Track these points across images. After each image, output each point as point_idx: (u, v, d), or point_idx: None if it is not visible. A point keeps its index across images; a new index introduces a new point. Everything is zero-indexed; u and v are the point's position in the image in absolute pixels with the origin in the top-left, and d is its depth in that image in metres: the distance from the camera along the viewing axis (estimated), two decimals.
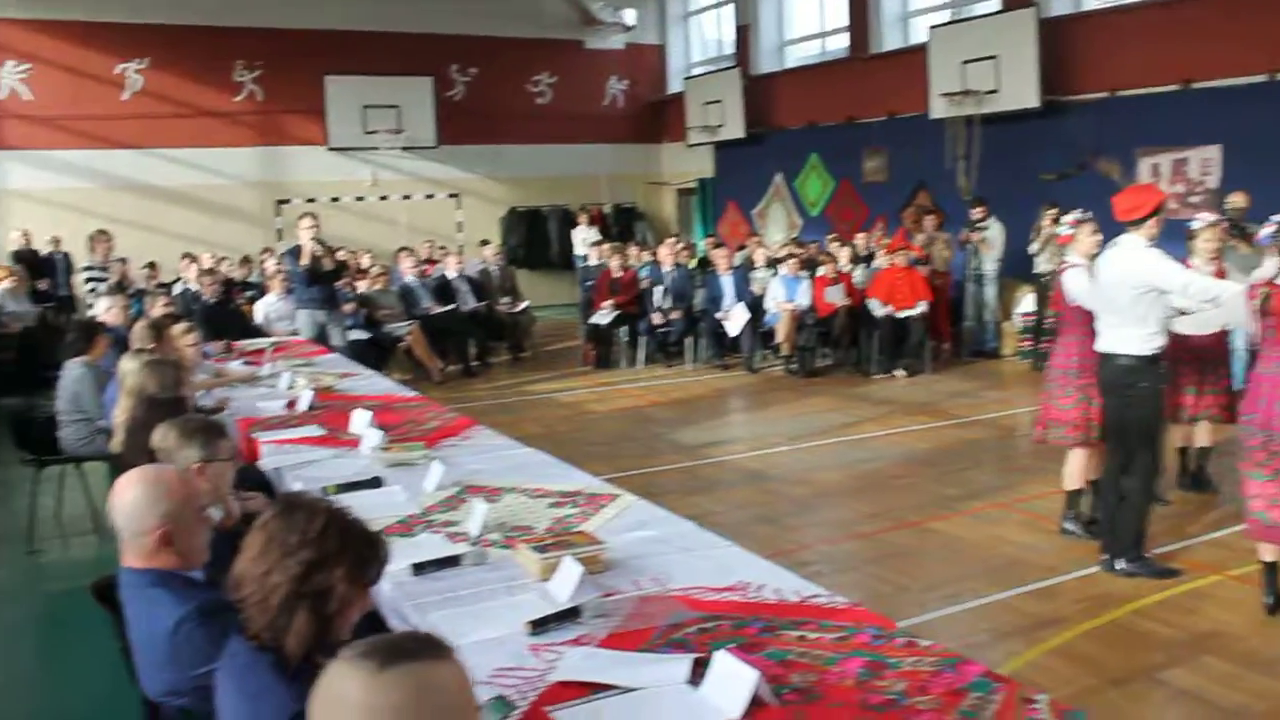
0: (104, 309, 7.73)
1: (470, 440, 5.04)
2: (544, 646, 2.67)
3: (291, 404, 5.84)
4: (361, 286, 11.75)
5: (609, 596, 2.95)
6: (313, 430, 5.19)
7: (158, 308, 7.78)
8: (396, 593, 3.03)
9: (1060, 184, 12.25)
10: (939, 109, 13.32)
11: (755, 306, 11.99)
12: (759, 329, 11.98)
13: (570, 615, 2.81)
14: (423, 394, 6.77)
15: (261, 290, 11.67)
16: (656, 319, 12.18)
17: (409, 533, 3.60)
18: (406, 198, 18.00)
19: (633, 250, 14.01)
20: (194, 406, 3.92)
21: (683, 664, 2.51)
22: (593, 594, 2.92)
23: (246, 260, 14.00)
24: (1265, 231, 4.77)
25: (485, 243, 14.61)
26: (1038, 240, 11.39)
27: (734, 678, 2.36)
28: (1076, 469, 6.09)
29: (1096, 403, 5.79)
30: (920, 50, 13.78)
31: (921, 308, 11.47)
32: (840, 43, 16.13)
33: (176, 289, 11.32)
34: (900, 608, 5.00)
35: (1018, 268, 12.14)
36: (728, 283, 12.15)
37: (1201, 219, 6.58)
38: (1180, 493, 6.77)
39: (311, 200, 16.59)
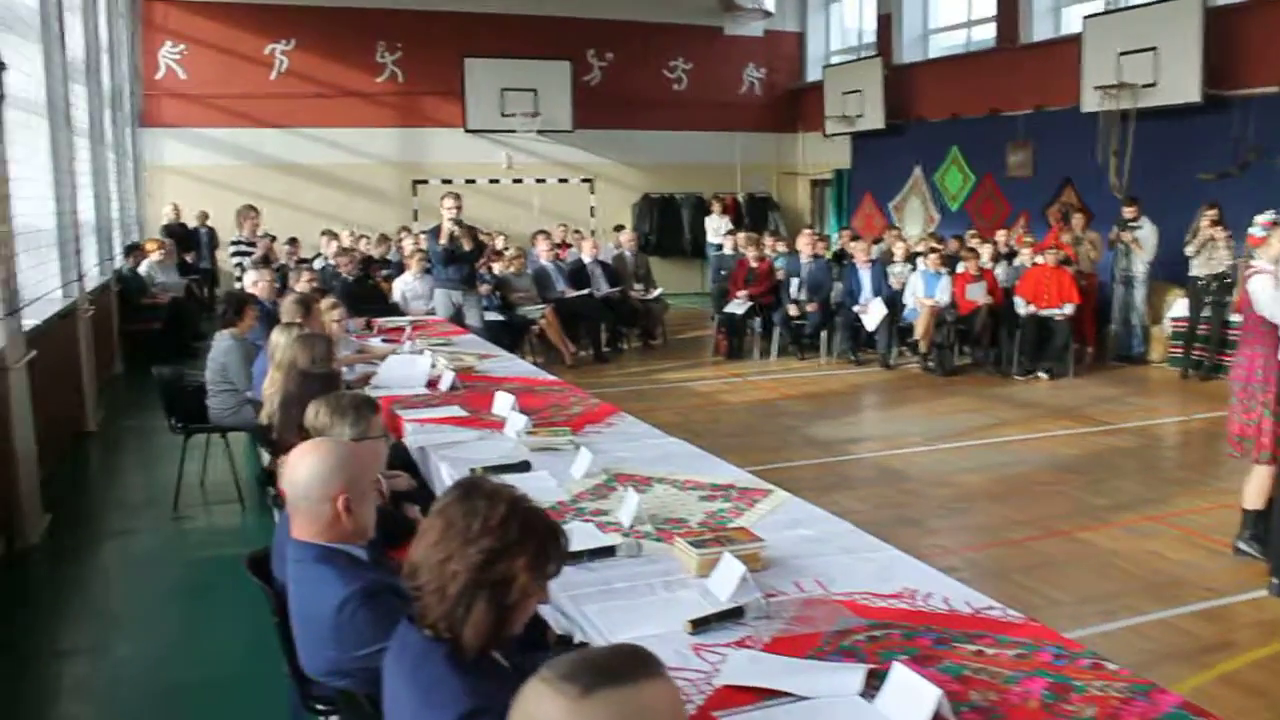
0: (251, 282, 7.88)
1: (614, 427, 4.97)
2: (706, 647, 2.57)
3: (433, 383, 5.85)
4: (497, 268, 11.82)
5: (771, 597, 2.83)
6: (455, 410, 5.18)
7: (302, 283, 7.91)
8: (551, 583, 2.96)
9: (1219, 184, 11.69)
10: (1091, 102, 12.80)
11: (892, 301, 11.71)
12: (896, 324, 11.70)
13: (733, 615, 2.70)
14: (555, 377, 6.74)
15: (399, 269, 11.83)
16: (792, 311, 11.98)
17: (560, 520, 3.52)
18: (540, 181, 18.12)
19: (768, 240, 13.82)
20: (343, 382, 3.91)
21: (856, 674, 2.38)
22: (754, 594, 2.80)
23: (384, 238, 14.23)
24: None
25: (620, 228, 14.60)
26: (1194, 242, 10.87)
27: (913, 693, 2.23)
28: (1259, 487, 5.71)
29: (1265, 418, 5.47)
30: (1072, 41, 13.26)
31: (1068, 309, 11.06)
32: (986, 33, 15.65)
33: (316, 265, 11.56)
34: (1053, 621, 4.70)
35: (1169, 270, 11.63)
36: (865, 276, 11.89)
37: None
38: None
39: (448, 181, 16.80)
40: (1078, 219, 12.26)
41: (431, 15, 16.94)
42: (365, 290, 10.42)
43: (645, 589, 2.92)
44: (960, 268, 11.75)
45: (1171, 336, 11.61)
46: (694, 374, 11.51)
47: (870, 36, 18.09)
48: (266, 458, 4.67)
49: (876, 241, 13.70)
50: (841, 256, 13.50)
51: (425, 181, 17.29)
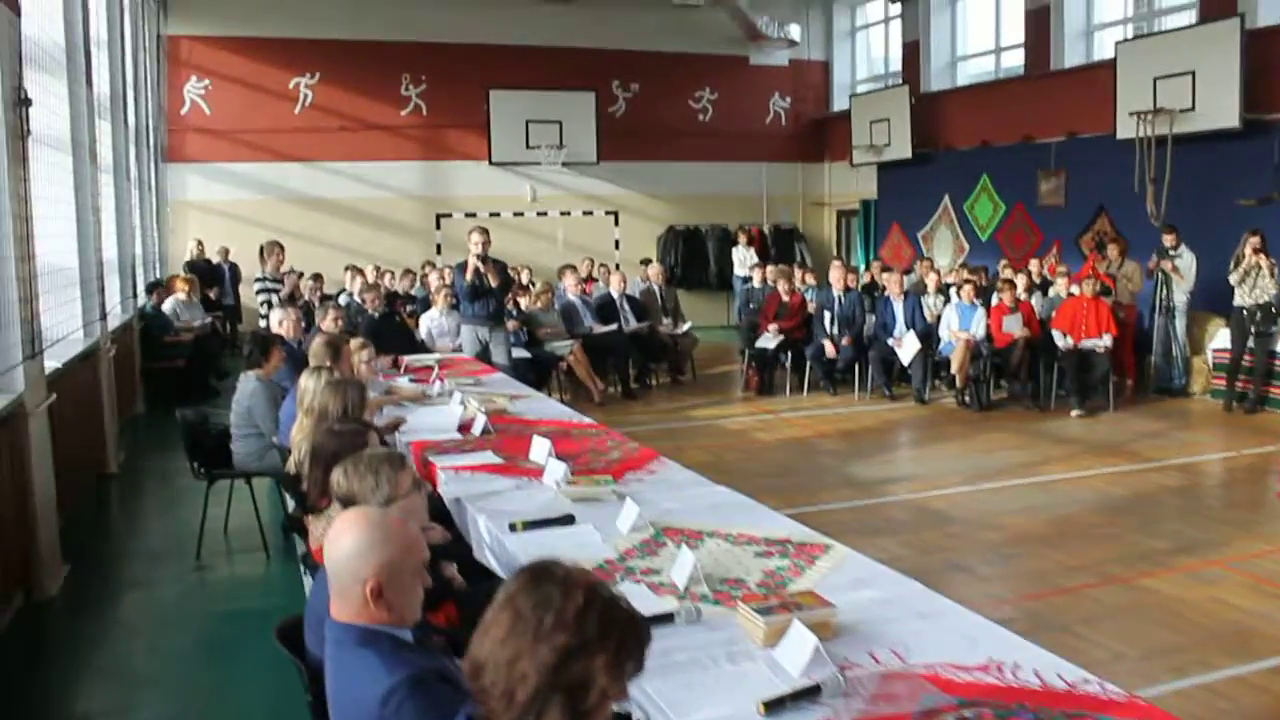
0: (277, 322, 7.70)
1: (656, 474, 4.74)
2: None
3: (465, 427, 5.64)
4: (523, 303, 11.64)
5: (845, 670, 2.60)
6: (490, 457, 4.97)
7: (328, 321, 7.72)
8: None
9: (1261, 210, 11.43)
10: (1126, 128, 12.56)
11: (927, 335, 11.46)
12: (931, 358, 11.44)
13: (809, 694, 2.46)
14: (590, 419, 6.52)
15: (424, 304, 11.66)
16: (826, 345, 11.74)
17: (609, 581, 3.30)
18: (565, 214, 17.99)
19: (797, 273, 13.61)
20: (375, 433, 3.69)
21: None
22: (828, 668, 2.57)
23: (409, 273, 14.08)
24: None
25: (647, 261, 14.40)
26: (1238, 270, 10.60)
27: None
28: None
29: None
30: (1106, 66, 13.05)
31: (1106, 340, 10.80)
32: (1016, 59, 15.46)
33: (340, 301, 11.40)
34: (1119, 678, 4.48)
35: (1209, 300, 11.37)
36: (899, 309, 11.65)
37: None
38: None
39: (472, 215, 16.72)
40: (1113, 249, 12.01)
41: (456, 48, 16.89)
42: (391, 327, 10.25)
43: (708, 661, 2.68)
44: (995, 299, 11.50)
45: (1214, 368, 11.32)
46: (725, 411, 11.28)
47: (896, 65, 17.94)
48: (292, 505, 4.48)
49: (907, 272, 13.48)
50: (871, 288, 13.26)
51: (449, 215, 17.19)
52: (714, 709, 2.44)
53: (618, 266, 15.22)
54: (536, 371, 10.59)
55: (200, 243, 15.19)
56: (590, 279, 13.40)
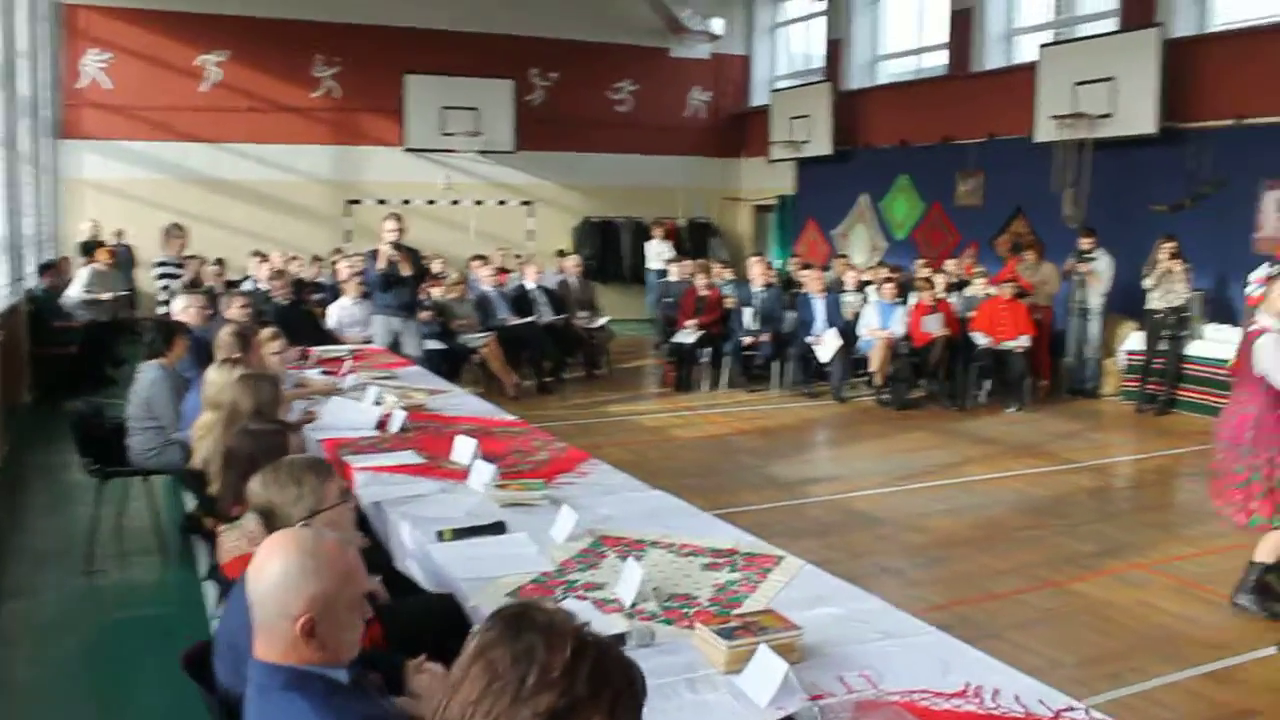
0: (180, 308, 7.27)
1: (588, 477, 4.50)
2: None
3: (382, 424, 5.33)
4: (436, 294, 11.29)
5: (817, 700, 2.39)
6: (410, 457, 4.68)
7: (235, 309, 7.30)
8: None
9: (1175, 216, 11.58)
10: (1046, 132, 12.64)
11: (846, 332, 11.39)
12: (850, 356, 11.38)
13: None
14: (512, 416, 6.24)
15: (333, 293, 11.25)
16: (746, 341, 11.60)
17: (550, 597, 3.07)
18: (479, 203, 17.59)
19: (715, 267, 13.46)
20: (295, 435, 3.38)
21: None
22: (798, 695, 2.37)
23: (317, 260, 13.61)
24: None
25: (563, 253, 14.14)
26: (1152, 274, 10.72)
27: None
28: (1275, 544, 5.42)
29: (1253, 481, 5.21)
30: (1027, 70, 13.12)
31: (1024, 341, 10.85)
32: (938, 60, 15.50)
33: (244, 288, 10.92)
34: (1061, 686, 4.33)
35: (1124, 303, 11.48)
36: (820, 306, 11.56)
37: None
38: None
39: (383, 202, 16.25)
40: (1030, 253, 12.07)
41: (372, 30, 16.34)
42: (299, 316, 9.81)
43: (669, 690, 2.46)
44: (913, 298, 11.48)
45: (1127, 370, 11.45)
46: (642, 406, 11.08)
47: (817, 61, 17.90)
48: (192, 504, 4.14)
49: (824, 269, 13.41)
50: (789, 285, 13.16)
51: (359, 201, 16.68)
52: None
53: (530, 258, 14.88)
54: (449, 364, 10.27)
55: (96, 223, 14.51)
56: (504, 270, 13.07)
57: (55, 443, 8.02)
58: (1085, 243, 11.49)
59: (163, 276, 9.87)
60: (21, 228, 11.07)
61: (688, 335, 11.73)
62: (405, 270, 9.30)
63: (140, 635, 4.96)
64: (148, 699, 4.31)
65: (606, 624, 2.80)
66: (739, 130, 19.29)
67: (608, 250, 18.19)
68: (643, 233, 17.82)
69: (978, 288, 11.83)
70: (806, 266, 13.18)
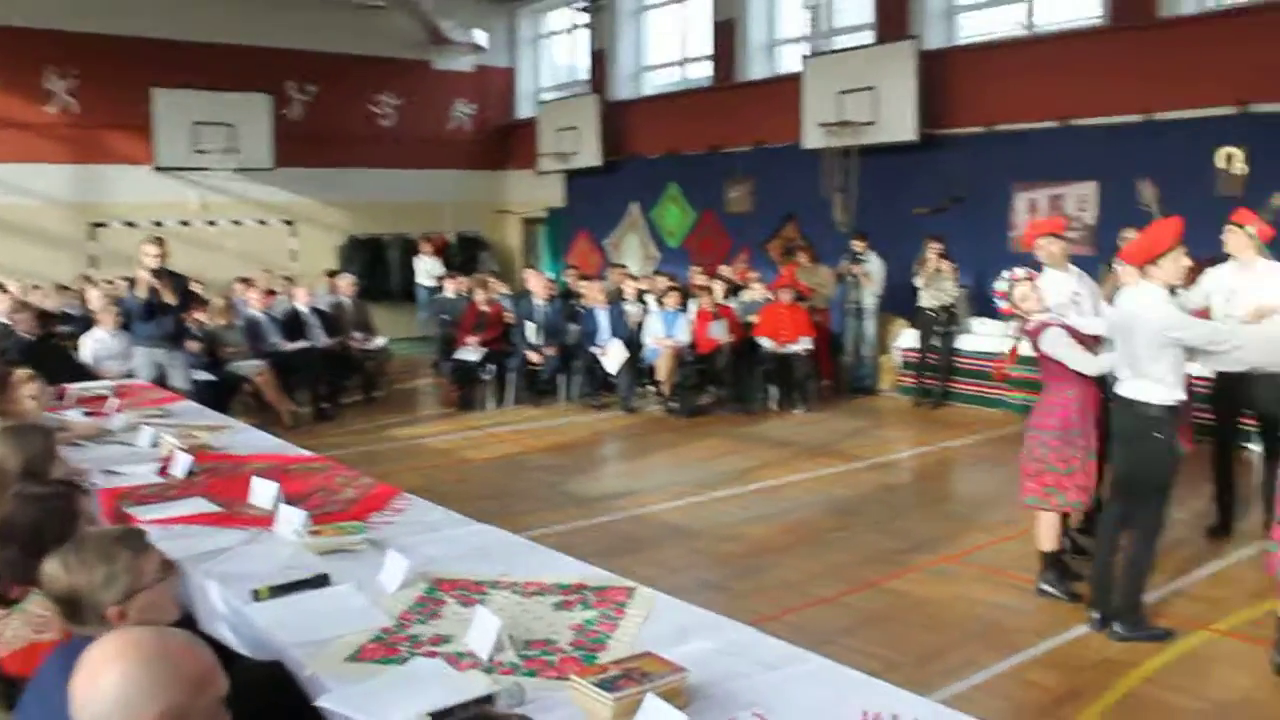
0: None
1: (404, 513, 4.15)
2: None
3: (164, 469, 4.78)
4: (202, 319, 10.50)
5: None
6: (203, 505, 4.20)
7: None
8: None
9: (941, 217, 12.06)
10: (814, 139, 12.97)
11: (629, 342, 11.31)
12: (636, 366, 11.30)
13: None
14: (309, 451, 5.76)
15: (84, 323, 10.32)
16: (532, 357, 11.34)
17: (396, 656, 2.73)
18: (237, 223, 16.59)
19: (492, 282, 13.15)
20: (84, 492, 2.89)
21: None
22: None
23: (62, 289, 12.47)
24: None
25: (335, 272, 13.48)
26: (922, 274, 11.13)
27: None
28: (1051, 530, 5.59)
29: (1089, 461, 5.36)
30: (792, 79, 13.43)
31: (806, 343, 11.05)
32: (703, 71, 15.68)
33: None
34: (904, 687, 4.38)
35: (896, 302, 11.88)
36: (603, 317, 11.44)
37: None
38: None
39: (131, 224, 15.11)
40: (804, 255, 12.33)
41: (112, 40, 15.05)
42: (50, 352, 8.86)
43: None
44: (693, 305, 11.51)
45: (903, 366, 11.84)
46: (427, 429, 10.64)
47: (582, 73, 17.84)
48: None
49: (598, 279, 13.28)
50: (567, 296, 12.98)
51: (105, 224, 15.41)
52: None
53: (296, 279, 14.12)
54: (220, 394, 9.55)
55: None
56: (271, 293, 12.33)
57: None
58: (857, 245, 11.84)
59: None
60: None
61: (470, 352, 11.38)
62: (168, 298, 8.60)
63: None
64: None
65: (465, 682, 2.50)
66: (506, 143, 19.01)
67: (375, 268, 17.49)
68: (411, 249, 17.29)
69: (756, 293, 11.99)
70: (586, 278, 13.06)
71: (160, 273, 8.59)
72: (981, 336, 11.19)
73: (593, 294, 11.71)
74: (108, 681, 1.59)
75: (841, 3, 14.10)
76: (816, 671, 2.64)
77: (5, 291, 10.10)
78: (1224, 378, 6.40)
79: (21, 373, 4.90)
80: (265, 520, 3.90)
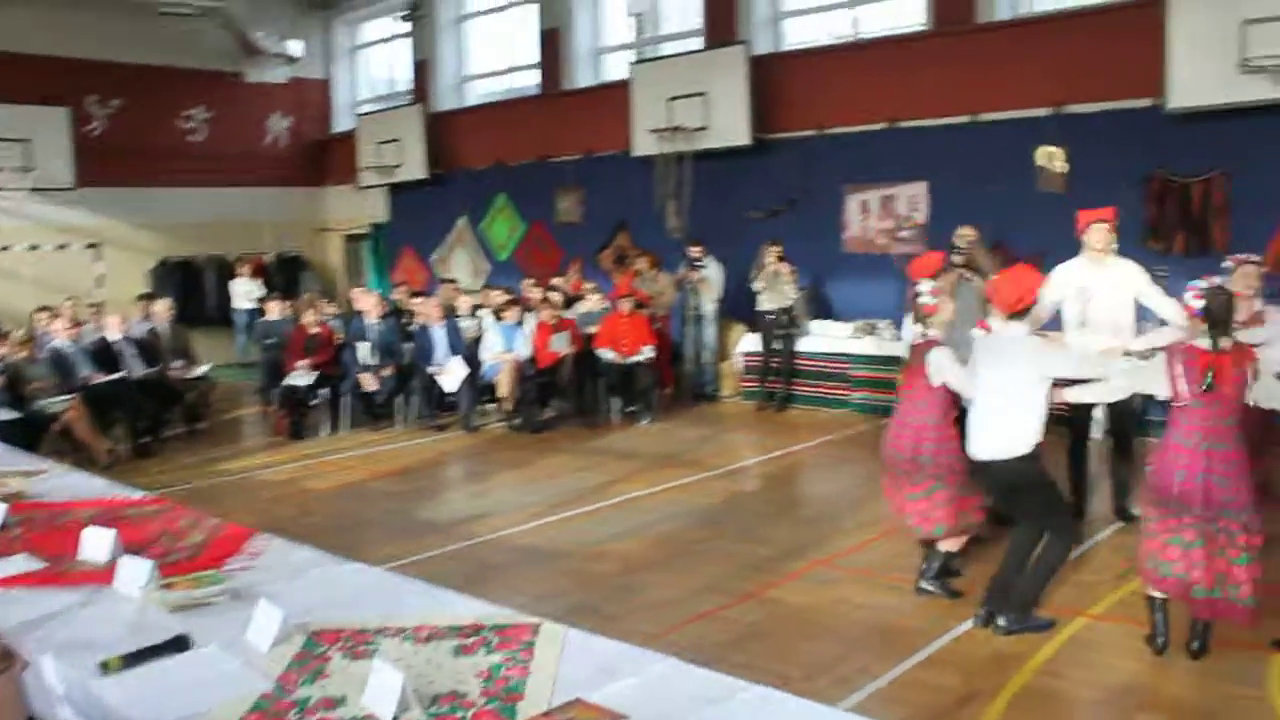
0: None
1: (262, 556, 3.74)
2: None
3: None
4: (1, 353, 9.63)
5: None
6: (26, 563, 3.68)
7: None
8: None
9: (776, 221, 12.11)
10: (645, 146, 12.86)
11: (468, 359, 10.94)
12: (476, 383, 10.94)
13: None
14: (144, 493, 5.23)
15: None
16: (366, 378, 10.84)
17: None
18: (34, 248, 15.40)
19: (321, 303, 12.55)
20: None
21: None
22: None
23: None
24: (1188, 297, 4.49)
25: (149, 297, 12.62)
26: (761, 278, 11.13)
27: None
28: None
29: (950, 489, 5.39)
30: (620, 86, 13.29)
31: (648, 353, 10.91)
32: (530, 79, 15.42)
33: None
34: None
35: (735, 307, 11.88)
36: (440, 335, 11.03)
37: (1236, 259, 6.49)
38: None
39: None
40: (644, 261, 12.21)
41: None
42: None
43: None
44: (531, 319, 11.20)
45: (745, 371, 11.83)
46: (260, 460, 10.00)
47: (403, 84, 17.32)
48: None
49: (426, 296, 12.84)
50: (398, 315, 12.47)
51: None
52: None
53: (102, 306, 13.17)
54: (27, 435, 8.74)
55: None
56: (78, 322, 11.45)
57: None
58: (695, 251, 11.77)
59: None
60: None
61: (301, 377, 10.80)
62: None
63: None
64: None
65: None
66: (325, 157, 18.28)
67: (190, 292, 16.49)
68: (227, 271, 16.42)
69: (593, 303, 11.79)
70: (418, 294, 12.61)
71: None
72: (821, 338, 11.29)
73: (427, 311, 11.28)
74: None
75: (667, 9, 14.08)
76: (756, 700, 2.42)
77: None
78: None
79: None
80: (102, 575, 3.44)
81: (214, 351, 15.33)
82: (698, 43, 13.15)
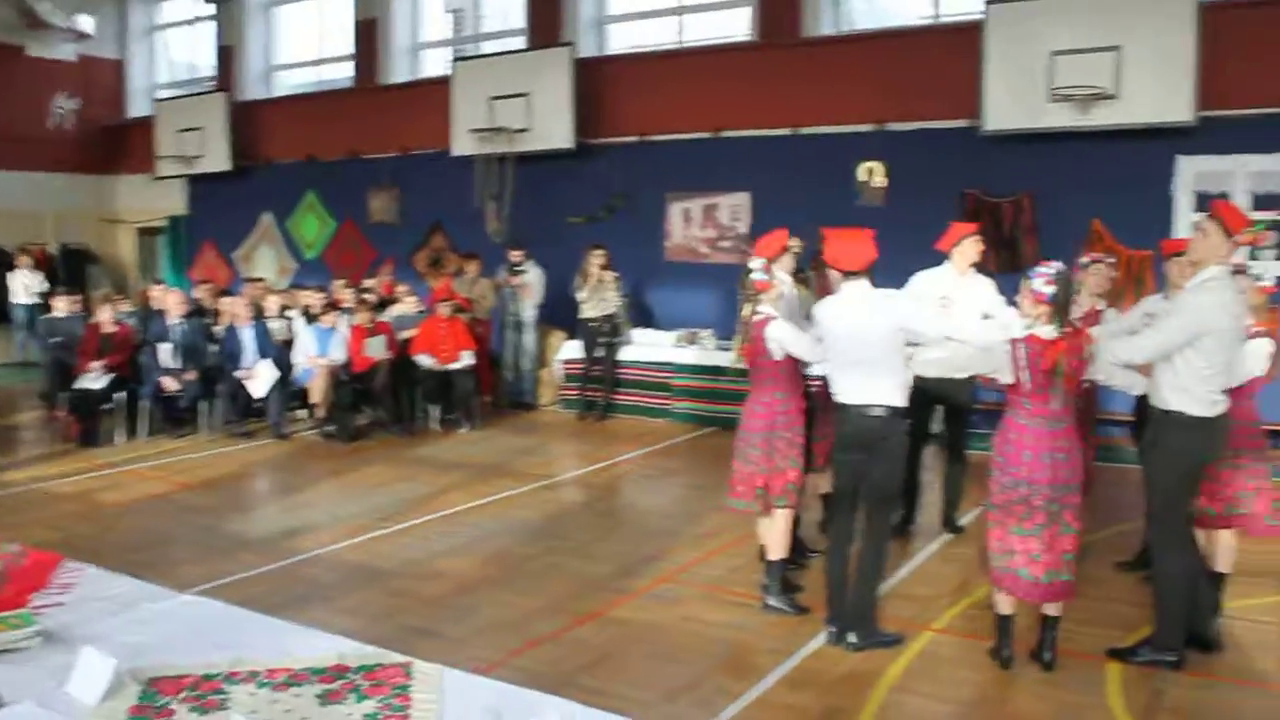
0: None
1: (76, 589, 3.33)
2: None
3: None
4: None
5: None
6: None
7: None
8: None
9: (593, 227, 11.99)
10: (466, 146, 12.52)
11: (279, 362, 10.37)
12: (287, 388, 10.38)
13: None
14: None
15: None
16: (167, 382, 10.13)
17: None
18: None
19: (118, 299, 11.69)
20: None
21: None
22: None
23: None
24: (1037, 284, 4.51)
25: None
26: (584, 284, 10.97)
27: None
28: (781, 536, 5.50)
29: (797, 463, 5.35)
30: (440, 83, 12.91)
31: (468, 359, 10.60)
32: (344, 71, 14.81)
33: None
34: None
35: (555, 314, 11.68)
36: (248, 336, 10.41)
37: (1089, 258, 6.68)
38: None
39: None
40: (473, 266, 11.87)
41: None
42: None
43: None
44: (344, 321, 10.69)
45: (565, 379, 11.64)
46: (48, 470, 9.14)
47: (206, 69, 16.39)
48: None
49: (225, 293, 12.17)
50: (201, 314, 11.74)
51: None
52: None
53: None
54: None
55: None
56: None
57: None
58: (515, 256, 11.51)
59: None
60: None
61: (95, 380, 10.01)
62: None
63: None
64: None
65: None
66: (117, 144, 17.09)
67: None
68: (6, 262, 15.18)
69: (408, 306, 11.38)
70: (225, 293, 11.92)
71: None
72: (645, 346, 11.22)
73: (234, 311, 10.64)
74: None
75: (488, 8, 13.78)
76: None
77: None
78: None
79: None
80: None
81: None
82: (519, 42, 12.92)
